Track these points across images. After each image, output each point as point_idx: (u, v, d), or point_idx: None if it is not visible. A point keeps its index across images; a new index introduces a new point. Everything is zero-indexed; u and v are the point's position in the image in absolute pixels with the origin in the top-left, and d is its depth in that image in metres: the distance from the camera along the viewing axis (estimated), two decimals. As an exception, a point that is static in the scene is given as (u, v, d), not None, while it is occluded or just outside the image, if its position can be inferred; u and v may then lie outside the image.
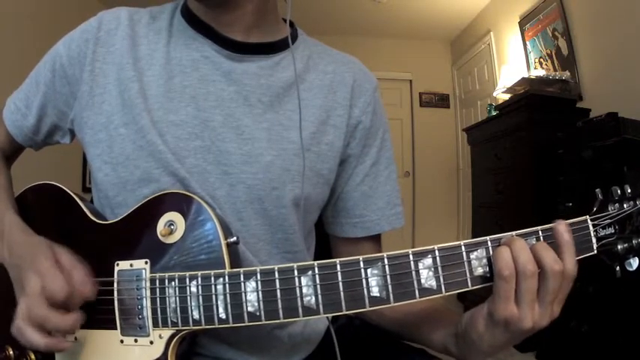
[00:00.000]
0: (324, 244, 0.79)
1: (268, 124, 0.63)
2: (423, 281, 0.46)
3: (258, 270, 0.48)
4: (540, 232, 0.48)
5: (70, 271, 0.50)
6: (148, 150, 0.58)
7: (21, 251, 0.54)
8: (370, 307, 0.46)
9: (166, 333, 0.51)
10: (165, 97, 0.60)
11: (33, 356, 0.58)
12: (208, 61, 0.63)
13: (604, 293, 1.83)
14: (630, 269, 0.50)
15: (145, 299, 0.51)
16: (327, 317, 0.65)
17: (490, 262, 0.47)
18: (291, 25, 0.74)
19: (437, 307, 0.63)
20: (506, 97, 3.14)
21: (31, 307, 0.47)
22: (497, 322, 0.46)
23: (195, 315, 0.49)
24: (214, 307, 0.49)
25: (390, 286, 0.46)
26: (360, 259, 0.47)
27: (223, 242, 0.51)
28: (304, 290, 0.47)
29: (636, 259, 0.50)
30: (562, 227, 0.47)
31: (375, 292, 0.46)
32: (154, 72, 0.61)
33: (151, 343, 0.51)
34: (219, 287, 0.49)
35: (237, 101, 0.62)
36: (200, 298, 0.49)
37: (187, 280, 0.50)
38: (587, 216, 0.51)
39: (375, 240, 0.74)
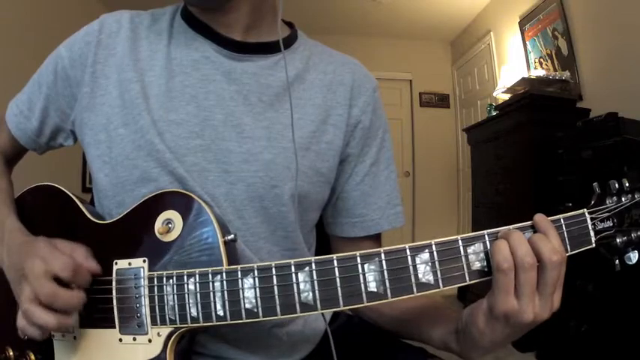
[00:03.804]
0: (325, 245, 0.79)
1: (268, 123, 0.63)
2: (420, 276, 0.46)
3: (255, 267, 0.48)
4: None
5: (70, 252, 0.51)
6: (147, 149, 0.58)
7: (19, 250, 0.54)
8: (367, 302, 0.46)
9: (164, 331, 0.51)
10: (165, 97, 0.61)
11: (33, 356, 0.58)
12: (208, 61, 0.63)
13: (603, 292, 1.83)
14: (630, 263, 0.50)
15: (143, 297, 0.51)
16: (324, 318, 0.65)
17: (487, 256, 0.47)
18: (292, 26, 0.74)
19: (436, 305, 0.63)
20: (506, 97, 3.14)
21: (37, 287, 0.48)
22: (498, 316, 0.46)
23: (193, 312, 0.49)
24: (212, 304, 0.49)
25: (387, 281, 0.46)
26: (357, 254, 0.47)
27: (220, 240, 0.51)
28: (301, 286, 0.47)
29: (635, 252, 0.50)
30: (538, 216, 0.49)
31: (373, 287, 0.46)
32: (155, 73, 0.62)
33: (150, 341, 0.51)
34: (217, 284, 0.49)
35: (237, 100, 0.63)
36: (198, 295, 0.49)
37: (185, 277, 0.50)
38: (585, 209, 0.50)
39: (375, 240, 0.74)
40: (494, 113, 3.19)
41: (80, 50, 0.63)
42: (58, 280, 0.48)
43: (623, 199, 0.51)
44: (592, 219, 0.50)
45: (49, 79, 0.65)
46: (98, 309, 0.53)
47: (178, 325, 0.50)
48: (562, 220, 0.49)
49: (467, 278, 0.47)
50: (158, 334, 0.51)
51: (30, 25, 2.95)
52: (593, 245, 0.50)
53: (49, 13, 3.17)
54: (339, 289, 0.46)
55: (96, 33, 0.64)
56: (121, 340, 0.52)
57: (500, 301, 0.45)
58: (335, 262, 0.47)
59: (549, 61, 3.09)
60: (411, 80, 4.99)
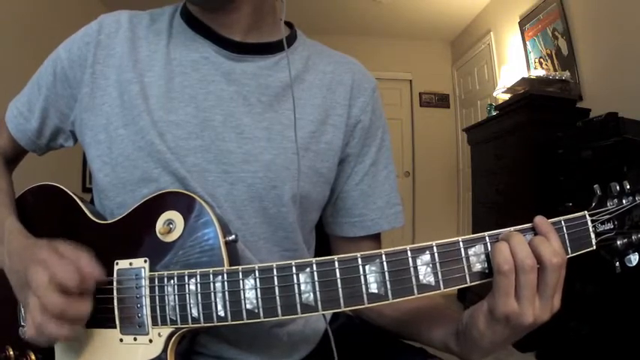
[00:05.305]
0: (325, 245, 0.79)
1: (268, 124, 0.63)
2: (421, 277, 0.46)
3: (256, 267, 0.48)
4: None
5: (74, 259, 0.49)
6: (147, 150, 0.58)
7: (21, 254, 0.54)
8: (368, 303, 0.46)
9: (165, 331, 0.51)
10: (165, 98, 0.61)
11: (33, 356, 0.58)
12: (208, 61, 0.63)
13: (604, 293, 1.83)
14: (630, 265, 0.50)
15: (144, 297, 0.51)
16: (325, 318, 0.65)
17: (488, 258, 0.47)
18: (291, 26, 0.74)
19: (437, 306, 0.63)
20: (506, 97, 3.14)
21: (44, 299, 0.46)
22: (498, 318, 0.46)
23: (194, 313, 0.49)
24: (213, 304, 0.49)
25: (388, 283, 0.46)
26: (358, 255, 0.47)
27: (222, 240, 0.51)
28: (302, 287, 0.47)
29: (636, 254, 0.50)
30: (539, 219, 0.49)
31: (374, 288, 0.46)
32: (155, 73, 0.62)
33: (150, 341, 0.51)
34: (218, 285, 0.49)
35: (237, 101, 0.63)
36: (199, 295, 0.49)
37: (186, 278, 0.50)
38: (586, 211, 0.51)
39: (375, 239, 0.74)
40: (494, 113, 3.19)
41: (79, 51, 0.63)
42: (63, 289, 0.47)
43: (624, 201, 0.51)
44: (593, 221, 0.50)
45: (49, 80, 0.65)
46: (99, 309, 0.53)
47: (179, 326, 0.50)
48: (563, 222, 0.50)
49: (468, 280, 0.47)
50: (159, 334, 0.51)
51: (30, 25, 2.94)
52: (594, 247, 0.50)
53: (49, 13, 3.16)
54: (340, 290, 0.46)
55: (95, 33, 0.64)
56: (121, 340, 0.52)
57: (500, 303, 0.45)
58: (336, 263, 0.47)
59: (549, 61, 3.09)
60: (411, 80, 4.98)
